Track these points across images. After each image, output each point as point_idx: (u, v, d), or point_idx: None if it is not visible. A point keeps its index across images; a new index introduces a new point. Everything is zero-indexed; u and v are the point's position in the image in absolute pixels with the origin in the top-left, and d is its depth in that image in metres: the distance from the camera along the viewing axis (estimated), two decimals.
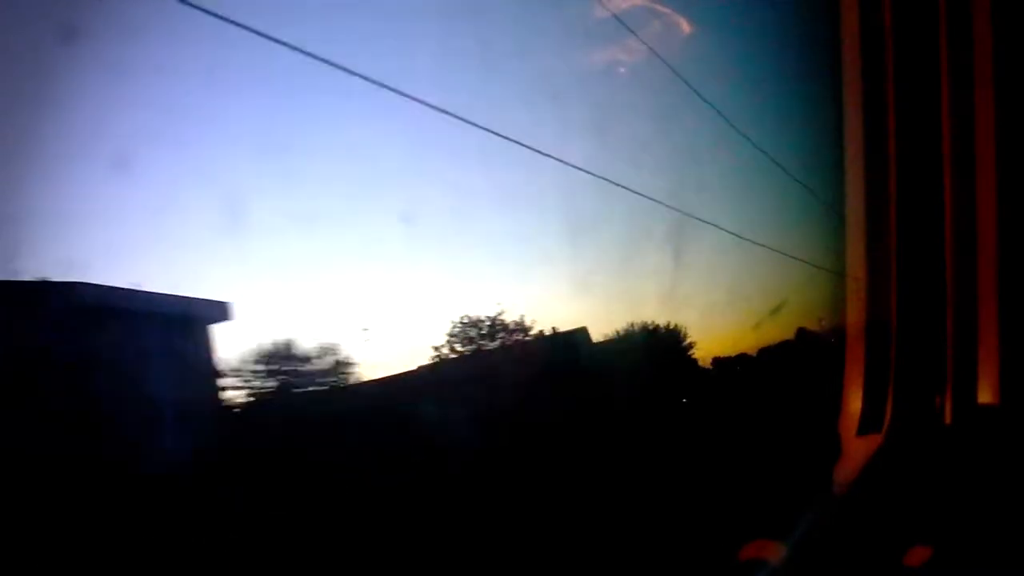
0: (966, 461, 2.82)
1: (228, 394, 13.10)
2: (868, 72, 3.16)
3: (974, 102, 2.84)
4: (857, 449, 3.17)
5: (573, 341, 22.14)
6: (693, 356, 24.47)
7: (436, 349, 19.49)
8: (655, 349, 21.93)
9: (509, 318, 20.25)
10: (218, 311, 11.83)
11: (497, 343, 20.18)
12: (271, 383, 13.88)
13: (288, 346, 14.07)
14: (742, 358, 24.51)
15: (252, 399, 13.58)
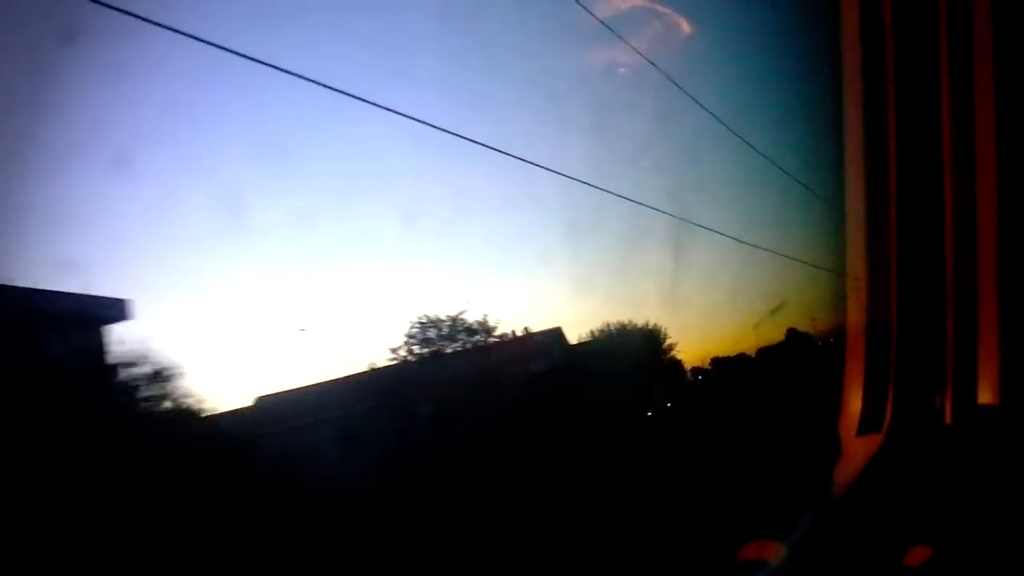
0: (966, 461, 2.82)
1: (111, 395, 11.89)
2: (868, 72, 3.16)
3: (974, 102, 2.84)
4: (857, 449, 3.17)
5: (545, 342, 21.65)
6: (675, 356, 24.19)
7: (393, 351, 18.69)
8: (634, 350, 21.18)
9: (473, 317, 19.55)
10: (116, 311, 11.16)
11: (457, 344, 19.39)
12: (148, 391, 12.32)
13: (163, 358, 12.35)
14: (741, 358, 24.56)
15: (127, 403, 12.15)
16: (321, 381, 16.82)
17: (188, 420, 12.55)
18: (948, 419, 2.97)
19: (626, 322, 22.01)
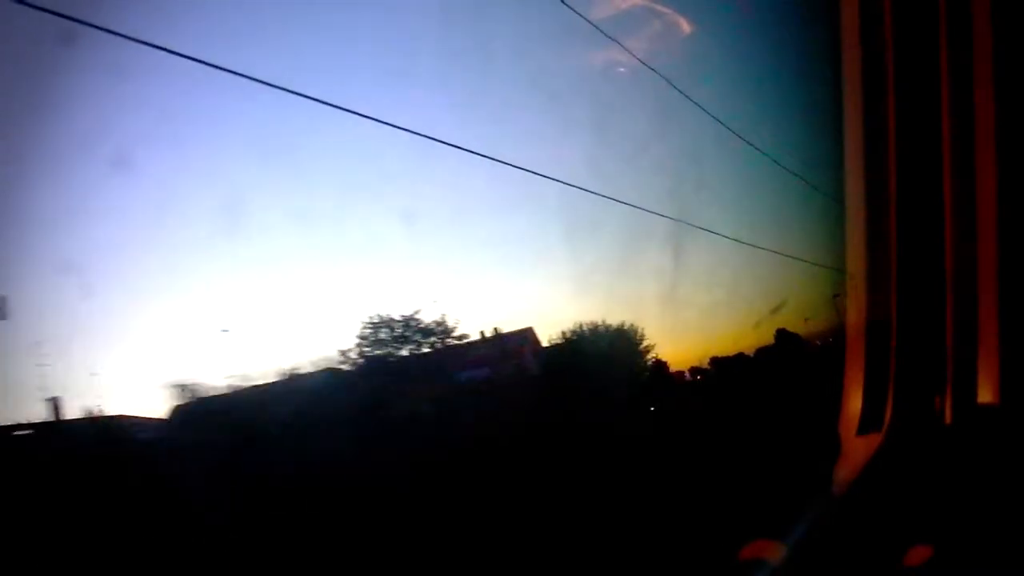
0: (966, 461, 2.81)
1: None
2: (868, 72, 3.16)
3: (974, 102, 2.84)
4: (857, 449, 3.17)
5: (513, 344, 20.55)
6: (660, 358, 23.45)
7: (343, 353, 17.54)
8: (612, 352, 20.31)
9: (430, 317, 18.26)
10: None
11: (411, 346, 18.20)
12: None
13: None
14: (740, 357, 24.51)
15: None
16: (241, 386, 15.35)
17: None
18: (948, 419, 2.97)
19: (599, 322, 21.12)
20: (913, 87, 3.03)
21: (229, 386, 14.81)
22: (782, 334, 23.66)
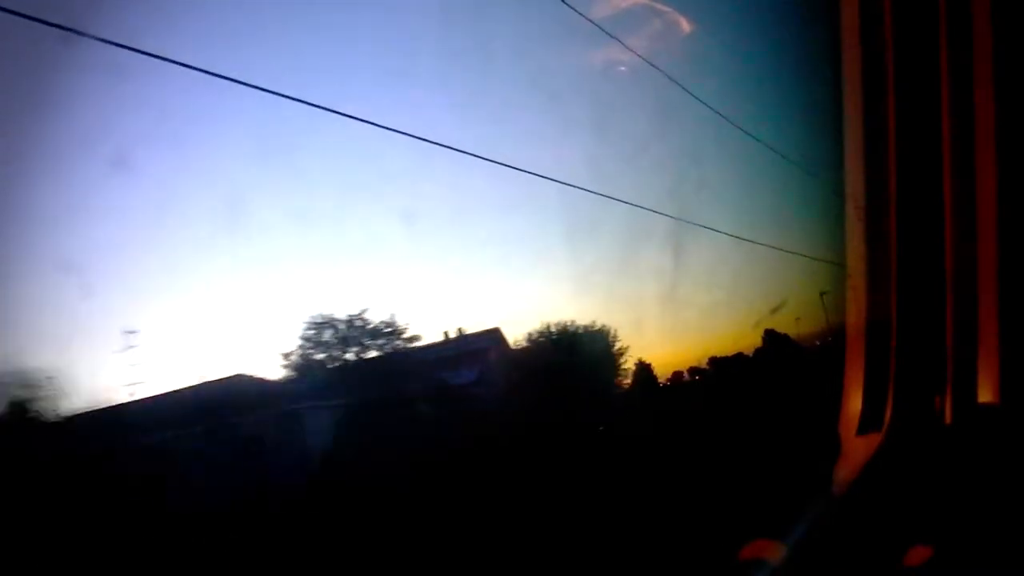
0: (966, 461, 2.82)
1: None
2: (868, 72, 3.16)
3: (974, 102, 2.84)
4: (857, 449, 3.17)
5: (477, 347, 18.86)
6: (632, 360, 22.70)
7: (285, 356, 16.06)
8: (586, 353, 19.10)
9: (379, 317, 16.63)
10: None
11: (357, 349, 16.58)
12: None
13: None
14: (739, 357, 24.52)
15: None
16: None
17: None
18: (948, 419, 2.97)
19: (568, 322, 19.95)
20: (913, 87, 3.03)
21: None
22: (771, 335, 23.58)
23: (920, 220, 3.04)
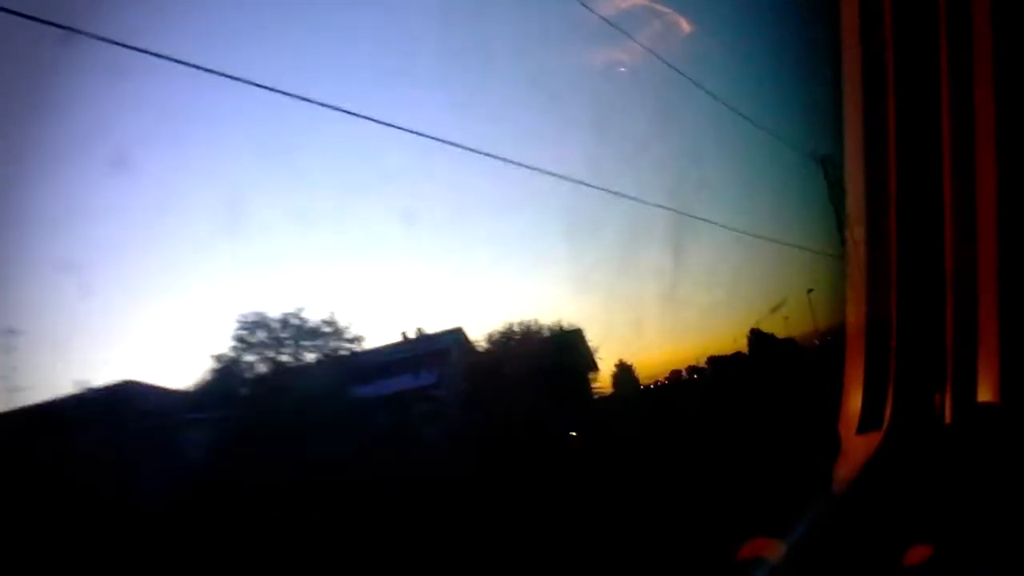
0: (966, 461, 2.82)
1: None
2: (868, 72, 3.16)
3: (974, 102, 2.84)
4: (857, 448, 3.18)
5: (434, 349, 17.28)
6: (626, 363, 22.08)
7: (216, 358, 14.74)
8: (559, 355, 17.92)
9: (318, 317, 15.27)
10: None
11: (292, 351, 15.16)
12: None
13: None
14: (737, 356, 24.52)
15: None
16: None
17: None
18: (948, 419, 2.97)
19: (532, 322, 18.92)
20: (913, 87, 3.03)
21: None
22: (756, 334, 23.49)
23: (920, 220, 3.05)
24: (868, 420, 3.18)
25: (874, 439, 3.12)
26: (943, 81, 2.93)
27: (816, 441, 3.59)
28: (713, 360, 25.48)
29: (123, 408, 12.16)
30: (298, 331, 15.40)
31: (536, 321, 19.26)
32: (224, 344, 14.97)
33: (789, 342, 22.97)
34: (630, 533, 7.95)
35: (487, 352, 18.35)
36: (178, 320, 17.68)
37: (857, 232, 3.28)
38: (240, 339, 14.97)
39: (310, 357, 15.43)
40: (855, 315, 3.34)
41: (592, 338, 20.46)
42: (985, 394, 2.87)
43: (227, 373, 14.67)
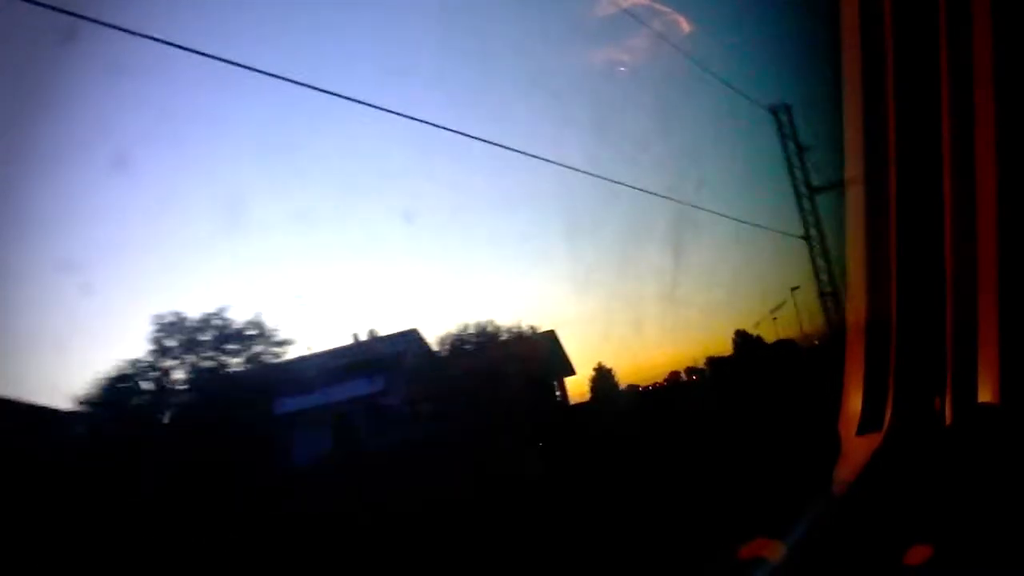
0: (966, 461, 2.82)
1: None
2: (868, 72, 3.16)
3: (974, 102, 2.84)
4: (857, 449, 3.18)
5: (386, 352, 16.25)
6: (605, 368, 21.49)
7: (133, 362, 13.67)
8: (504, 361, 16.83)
9: (242, 318, 14.12)
10: None
11: (209, 356, 14.05)
12: None
13: None
14: (735, 356, 24.54)
15: None
16: None
17: None
18: (948, 419, 2.97)
19: (486, 322, 17.91)
20: (913, 87, 3.03)
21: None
22: (742, 336, 23.44)
23: (920, 220, 3.04)
24: (868, 421, 3.18)
25: (874, 440, 3.12)
26: (943, 81, 2.93)
27: (816, 442, 3.59)
28: (712, 361, 25.51)
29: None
30: (227, 334, 14.19)
31: (518, 323, 18.57)
32: (143, 348, 14.03)
33: (789, 342, 23.04)
34: (630, 533, 7.95)
35: (447, 357, 17.33)
36: (178, 320, 17.48)
37: (857, 232, 3.28)
38: (156, 343, 13.89)
39: (235, 362, 14.27)
40: (855, 315, 3.34)
41: (588, 339, 20.12)
42: (985, 395, 2.87)
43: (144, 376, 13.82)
